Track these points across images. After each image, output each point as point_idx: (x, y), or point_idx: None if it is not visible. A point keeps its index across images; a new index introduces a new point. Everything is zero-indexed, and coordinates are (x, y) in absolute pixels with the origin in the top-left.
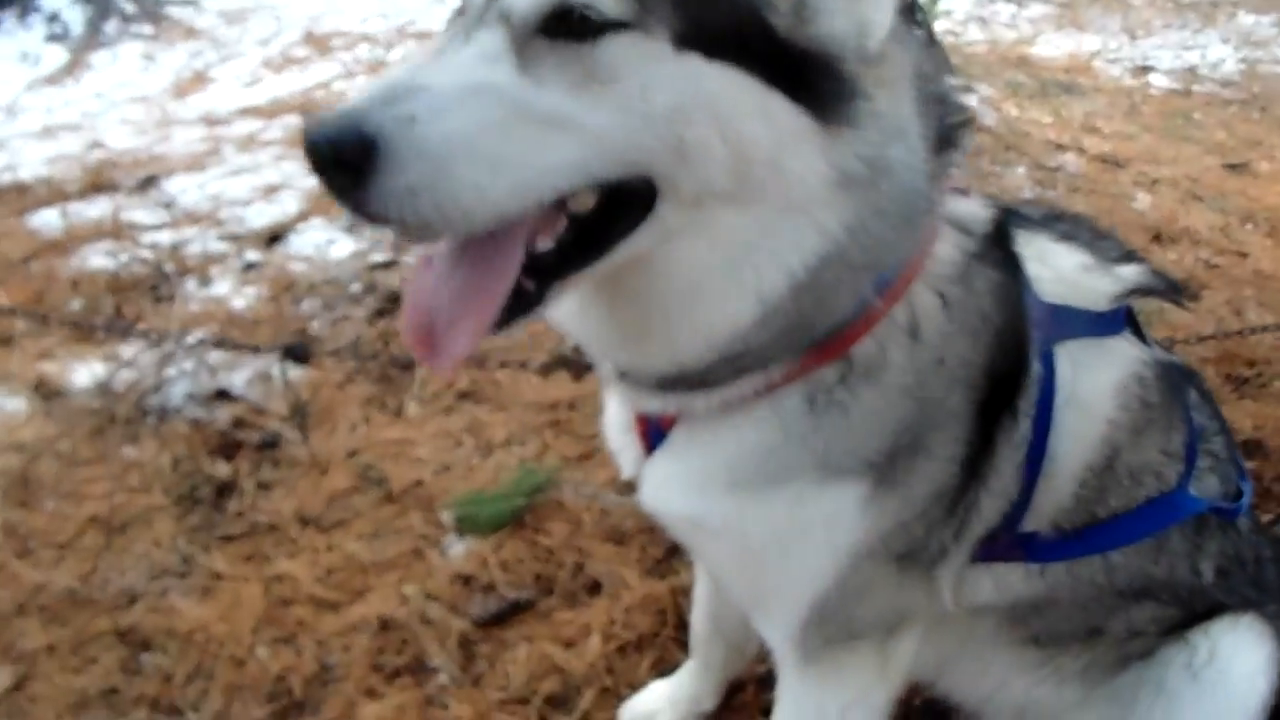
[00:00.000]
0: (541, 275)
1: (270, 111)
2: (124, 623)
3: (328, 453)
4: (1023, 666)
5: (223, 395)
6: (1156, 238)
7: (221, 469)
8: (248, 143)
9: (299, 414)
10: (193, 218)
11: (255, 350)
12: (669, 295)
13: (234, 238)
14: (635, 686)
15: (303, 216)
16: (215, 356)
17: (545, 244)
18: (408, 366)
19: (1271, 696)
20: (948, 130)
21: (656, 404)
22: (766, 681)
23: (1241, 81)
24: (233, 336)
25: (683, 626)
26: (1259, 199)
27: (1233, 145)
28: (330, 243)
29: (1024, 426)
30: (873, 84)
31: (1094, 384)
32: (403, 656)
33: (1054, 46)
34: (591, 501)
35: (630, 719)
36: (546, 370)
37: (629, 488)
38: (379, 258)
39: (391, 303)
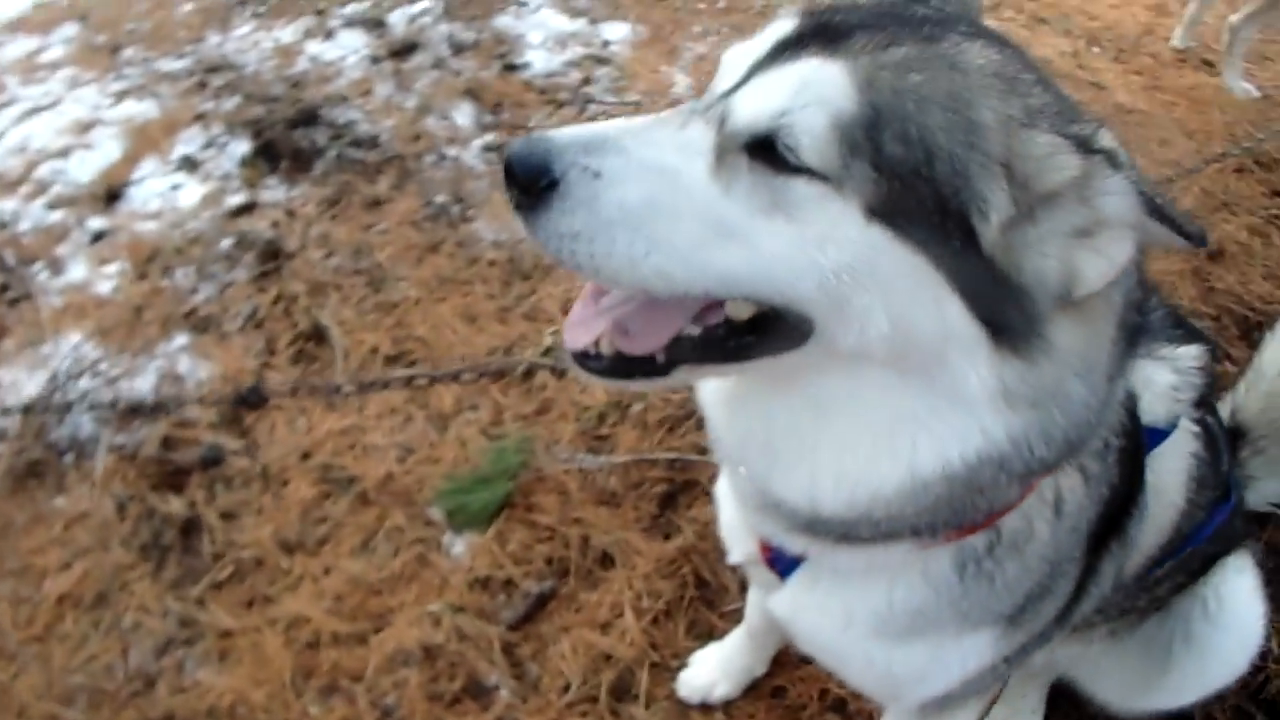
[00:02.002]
0: (676, 353)
1: (43, 23)
2: (153, 712)
3: (279, 459)
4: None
5: (137, 411)
6: None
7: (175, 504)
8: (29, 67)
9: (229, 416)
10: (5, 182)
11: (200, 402)
12: (822, 432)
13: (68, 202)
14: (679, 655)
15: (131, 159)
16: (107, 361)
17: (692, 329)
18: (322, 338)
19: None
20: (1130, 353)
21: (797, 544)
22: None
23: None
24: (115, 334)
25: (701, 584)
26: (1098, 15)
27: None
28: (175, 189)
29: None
30: (1063, 323)
31: (1168, 480)
32: (456, 681)
33: None
34: (570, 466)
35: (689, 693)
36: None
37: (601, 441)
38: (235, 200)
39: (272, 258)
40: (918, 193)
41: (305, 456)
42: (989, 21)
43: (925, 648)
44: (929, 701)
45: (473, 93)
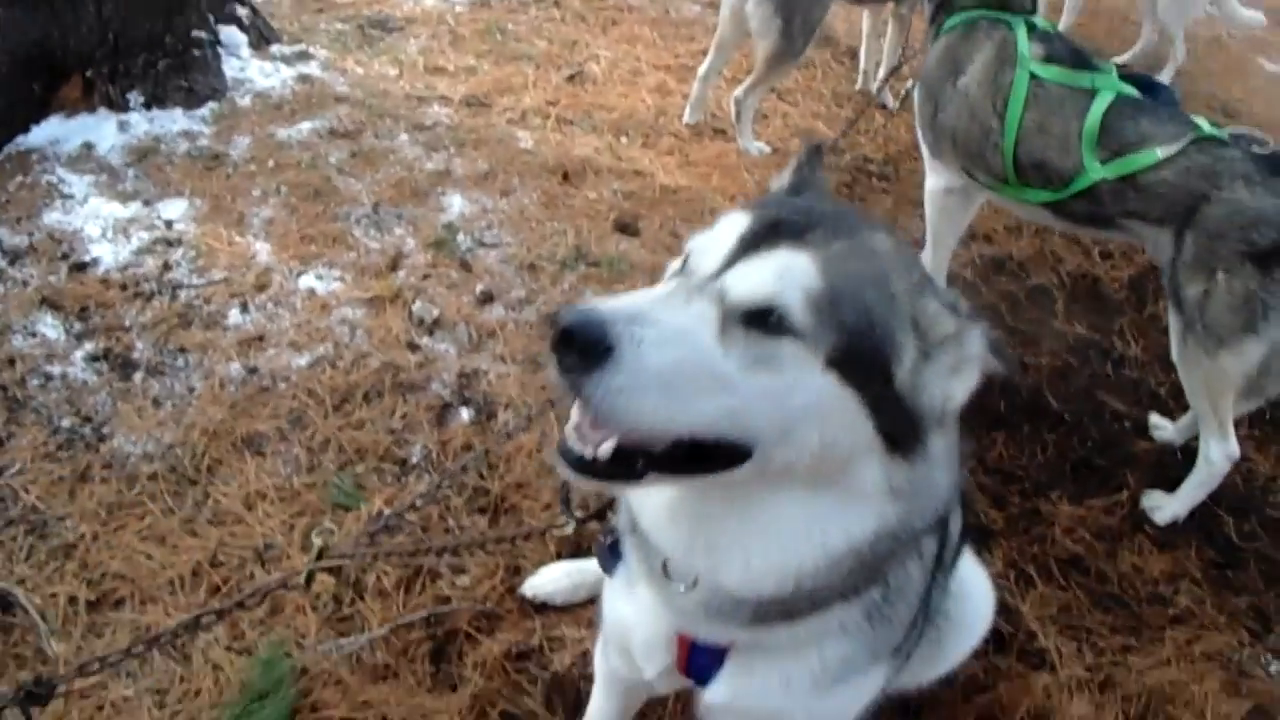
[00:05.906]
0: (648, 463)
1: None
2: None
3: None
4: None
5: None
6: (565, 177)
7: None
8: None
9: None
10: None
11: None
12: (752, 529)
13: None
14: None
15: None
16: None
17: (662, 447)
18: (8, 606)
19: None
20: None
21: (740, 635)
22: None
23: None
24: None
25: None
26: (612, 107)
27: (558, 52)
28: None
29: None
30: (936, 433)
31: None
32: None
33: None
34: (331, 655)
35: None
36: None
37: (346, 622)
38: None
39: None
40: (861, 347)
41: None
42: (522, 131)
43: (848, 688)
44: None
45: (50, 301)
